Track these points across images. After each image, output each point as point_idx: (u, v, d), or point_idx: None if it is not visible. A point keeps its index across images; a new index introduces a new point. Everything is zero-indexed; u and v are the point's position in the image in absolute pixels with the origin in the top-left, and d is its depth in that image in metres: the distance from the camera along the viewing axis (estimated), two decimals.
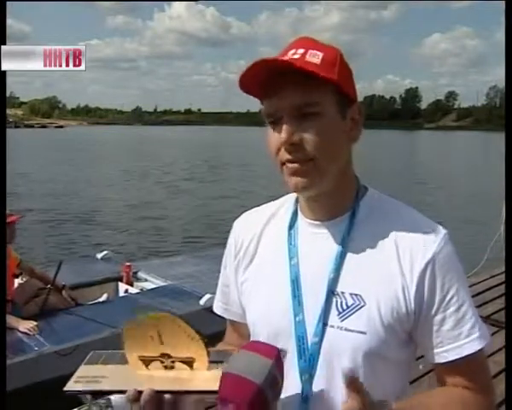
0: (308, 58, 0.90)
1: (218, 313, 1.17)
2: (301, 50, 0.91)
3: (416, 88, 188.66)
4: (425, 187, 21.21)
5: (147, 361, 0.83)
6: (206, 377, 0.78)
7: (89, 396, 0.85)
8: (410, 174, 25.84)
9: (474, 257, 6.05)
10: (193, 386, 0.78)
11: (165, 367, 0.82)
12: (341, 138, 0.94)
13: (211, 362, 0.80)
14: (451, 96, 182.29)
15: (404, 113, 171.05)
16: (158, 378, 0.81)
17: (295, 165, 0.91)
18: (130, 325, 0.81)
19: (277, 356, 0.75)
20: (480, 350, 0.93)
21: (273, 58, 0.89)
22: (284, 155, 0.91)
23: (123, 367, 0.85)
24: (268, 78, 0.90)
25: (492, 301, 4.80)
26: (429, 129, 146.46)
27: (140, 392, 0.79)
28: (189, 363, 0.80)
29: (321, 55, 0.91)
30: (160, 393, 0.79)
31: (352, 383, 0.80)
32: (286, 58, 0.90)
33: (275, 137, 0.92)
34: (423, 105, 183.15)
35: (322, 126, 0.90)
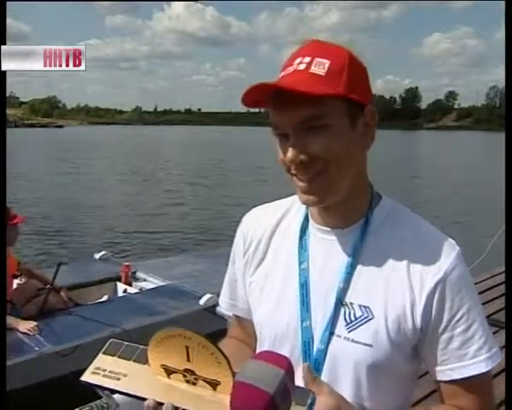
0: (313, 69, 0.87)
1: (224, 308, 1.16)
2: (307, 59, 0.89)
3: (416, 88, 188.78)
4: (425, 187, 21.20)
5: (169, 371, 0.81)
6: (228, 403, 0.76)
7: (105, 391, 0.84)
8: (410, 173, 25.83)
9: (476, 252, 6.05)
10: None
11: (187, 382, 0.80)
12: (352, 148, 0.91)
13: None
14: (451, 95, 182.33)
15: (404, 113, 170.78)
16: (179, 392, 0.80)
17: (305, 184, 0.90)
18: (159, 333, 0.79)
19: (289, 366, 0.75)
20: (486, 373, 0.91)
21: (273, 84, 0.87)
22: (293, 171, 0.91)
23: (143, 368, 0.83)
24: (271, 93, 0.88)
25: (492, 301, 4.80)
26: (429, 129, 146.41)
27: (159, 403, 0.78)
28: (212, 384, 0.79)
29: (327, 63, 0.88)
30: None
31: (312, 377, 0.79)
32: (291, 70, 0.89)
33: (281, 154, 0.91)
34: (423, 105, 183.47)
35: (331, 139, 0.87)
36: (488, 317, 4.27)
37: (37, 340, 3.73)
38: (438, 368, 0.93)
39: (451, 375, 0.92)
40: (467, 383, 0.92)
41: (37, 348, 3.62)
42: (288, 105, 0.87)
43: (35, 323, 3.87)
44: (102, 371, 0.83)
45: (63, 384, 3.25)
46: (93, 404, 2.79)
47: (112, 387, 0.81)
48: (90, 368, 0.84)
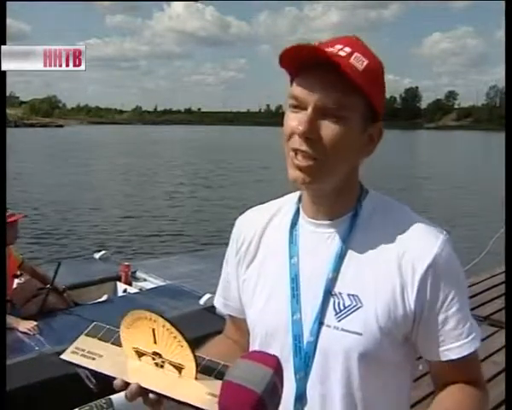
0: (352, 61, 0.88)
1: (219, 308, 1.18)
2: (348, 49, 0.90)
3: (417, 87, 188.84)
4: (424, 188, 21.21)
5: (139, 354, 0.85)
6: (191, 388, 0.80)
7: (82, 370, 0.89)
8: (410, 173, 25.84)
9: (476, 251, 6.05)
10: (178, 393, 0.80)
11: (156, 364, 0.84)
12: (355, 149, 0.93)
13: (201, 371, 0.82)
14: (451, 95, 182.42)
15: (404, 112, 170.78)
16: (147, 373, 0.84)
17: (301, 162, 0.90)
18: (129, 316, 0.84)
19: (277, 365, 0.76)
20: (476, 350, 0.96)
21: (329, 53, 0.87)
22: (295, 143, 0.91)
23: (118, 350, 0.87)
24: (308, 61, 0.88)
25: (492, 301, 4.81)
26: (429, 128, 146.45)
27: (127, 383, 0.82)
28: (178, 368, 0.82)
29: (366, 62, 0.90)
30: (146, 390, 0.82)
31: None
32: (333, 52, 0.88)
33: (293, 123, 0.91)
34: (423, 105, 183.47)
35: (343, 132, 0.89)
36: (488, 317, 4.28)
37: (36, 340, 3.73)
38: (435, 350, 0.95)
39: (449, 355, 0.94)
40: (463, 362, 0.94)
41: (36, 348, 3.62)
42: (319, 82, 0.88)
43: (35, 322, 3.86)
44: (81, 350, 0.89)
45: (63, 384, 3.25)
46: (92, 404, 2.79)
47: (86, 365, 0.86)
48: (71, 347, 0.90)
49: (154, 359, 0.84)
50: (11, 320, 3.79)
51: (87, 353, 0.88)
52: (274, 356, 0.78)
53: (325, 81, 0.88)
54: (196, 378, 0.81)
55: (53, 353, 3.60)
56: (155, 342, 0.82)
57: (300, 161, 0.90)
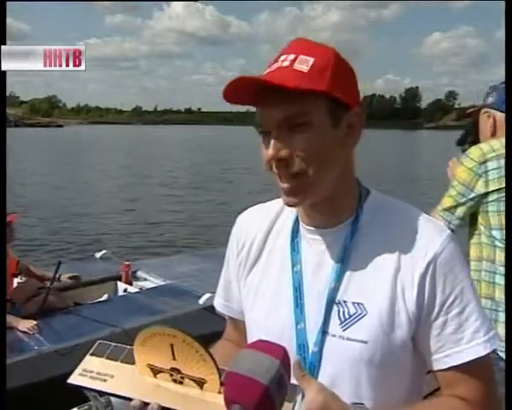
0: (296, 66, 0.87)
1: (219, 310, 1.15)
2: (292, 56, 0.89)
3: (417, 87, 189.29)
4: (424, 186, 21.19)
5: (155, 371, 0.81)
6: (215, 401, 0.75)
7: (91, 392, 0.84)
8: (410, 173, 25.82)
9: None
10: (203, 409, 0.75)
11: (174, 381, 0.80)
12: (333, 147, 0.90)
13: (223, 383, 0.77)
14: (451, 95, 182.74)
15: (404, 112, 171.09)
16: (166, 391, 0.79)
17: (286, 185, 0.90)
18: (144, 332, 0.80)
19: (284, 356, 0.73)
20: (484, 356, 0.88)
21: (251, 77, 0.86)
22: (275, 169, 0.90)
23: (130, 369, 0.83)
24: (254, 89, 0.88)
25: None
26: (429, 128, 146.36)
27: (146, 403, 0.77)
28: (199, 382, 0.78)
29: (311, 60, 0.87)
30: (167, 409, 0.77)
31: (301, 374, 0.77)
32: (274, 67, 0.89)
33: (264, 151, 0.90)
34: (423, 104, 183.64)
35: (312, 137, 0.87)
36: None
37: (36, 339, 3.73)
38: (434, 357, 0.90)
39: (448, 362, 0.89)
40: (465, 370, 0.89)
41: (36, 347, 3.63)
42: (270, 101, 0.87)
43: (35, 322, 3.87)
44: (89, 372, 0.83)
45: (62, 383, 3.25)
46: (92, 403, 2.79)
47: (98, 388, 0.81)
48: (78, 370, 0.84)
49: (171, 375, 0.79)
50: (11, 319, 3.79)
51: (96, 374, 0.83)
52: (280, 346, 0.74)
53: (277, 98, 0.86)
54: (220, 392, 0.76)
55: (52, 352, 3.62)
56: (174, 358, 0.78)
57: (284, 183, 0.90)
